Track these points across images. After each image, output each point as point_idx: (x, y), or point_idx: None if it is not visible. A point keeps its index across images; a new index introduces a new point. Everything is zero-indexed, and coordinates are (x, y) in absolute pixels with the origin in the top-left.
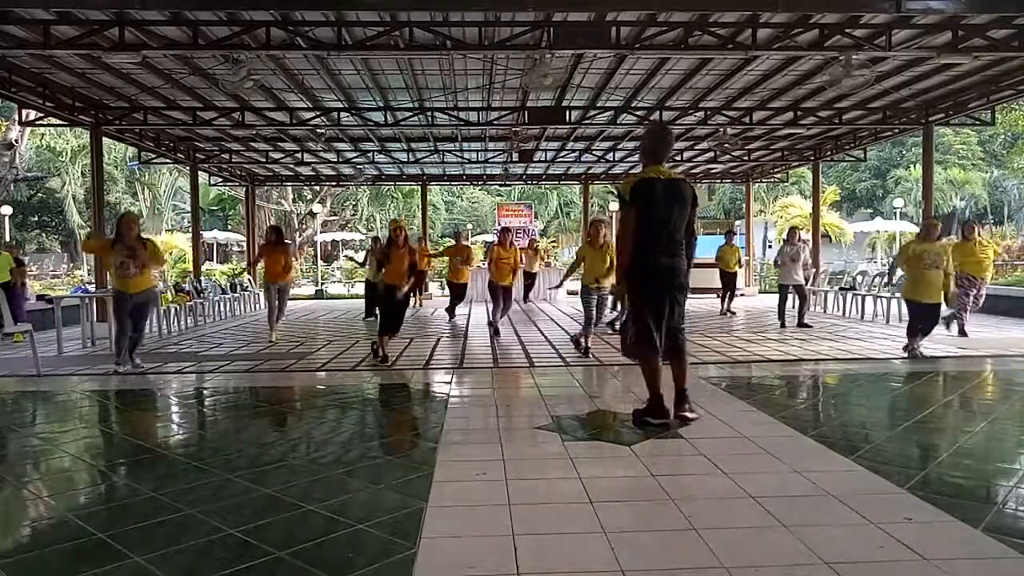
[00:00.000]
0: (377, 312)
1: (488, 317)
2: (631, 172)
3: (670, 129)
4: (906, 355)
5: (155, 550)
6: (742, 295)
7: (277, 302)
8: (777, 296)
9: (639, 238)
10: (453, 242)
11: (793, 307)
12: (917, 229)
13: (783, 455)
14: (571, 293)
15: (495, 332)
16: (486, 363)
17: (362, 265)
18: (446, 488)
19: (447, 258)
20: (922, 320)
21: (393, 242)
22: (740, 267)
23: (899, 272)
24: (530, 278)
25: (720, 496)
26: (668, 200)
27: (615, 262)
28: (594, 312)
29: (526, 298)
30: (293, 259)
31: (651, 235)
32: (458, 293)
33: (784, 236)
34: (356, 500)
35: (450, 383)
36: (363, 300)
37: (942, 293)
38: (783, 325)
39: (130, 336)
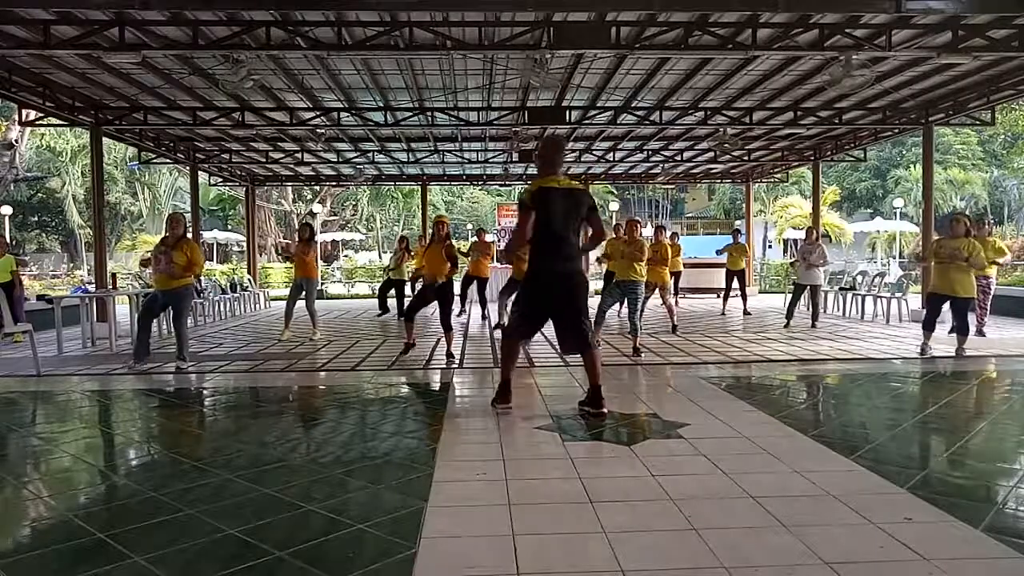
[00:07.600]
0: (390, 307)
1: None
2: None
3: (564, 140)
4: (921, 354)
5: (155, 550)
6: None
7: (305, 299)
8: (790, 295)
9: (539, 245)
10: (476, 239)
11: (807, 307)
12: (917, 229)
13: (783, 455)
14: None
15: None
16: (486, 363)
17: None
18: (446, 488)
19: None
20: (936, 315)
21: (435, 236)
22: (745, 265)
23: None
24: None
25: (720, 496)
26: (566, 209)
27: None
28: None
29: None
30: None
31: (549, 244)
32: (480, 287)
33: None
34: (356, 500)
35: (450, 383)
36: (375, 299)
37: (969, 287)
38: (788, 325)
39: (176, 335)
